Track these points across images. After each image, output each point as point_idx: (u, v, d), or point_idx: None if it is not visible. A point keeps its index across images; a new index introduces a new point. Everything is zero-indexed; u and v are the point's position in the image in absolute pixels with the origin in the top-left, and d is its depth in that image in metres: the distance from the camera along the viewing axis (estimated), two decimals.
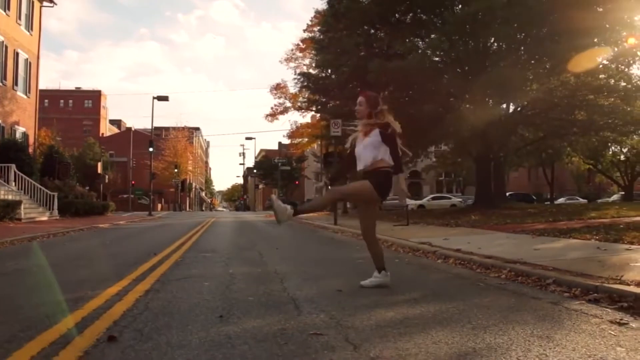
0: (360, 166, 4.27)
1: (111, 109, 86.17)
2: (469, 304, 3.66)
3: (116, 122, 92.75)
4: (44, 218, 21.03)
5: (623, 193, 36.34)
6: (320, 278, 5.09)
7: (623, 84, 17.45)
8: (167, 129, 62.27)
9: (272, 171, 65.54)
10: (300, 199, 68.00)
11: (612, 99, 17.42)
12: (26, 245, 9.83)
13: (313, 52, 25.44)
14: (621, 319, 3.10)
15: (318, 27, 41.18)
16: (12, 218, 17.92)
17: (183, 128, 63.63)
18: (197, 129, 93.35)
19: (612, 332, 2.81)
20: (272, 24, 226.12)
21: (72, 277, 5.15)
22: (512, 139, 19.80)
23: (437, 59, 16.54)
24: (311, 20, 42.45)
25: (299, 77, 22.59)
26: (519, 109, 19.00)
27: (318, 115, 41.60)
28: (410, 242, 8.64)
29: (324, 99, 22.88)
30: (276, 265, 6.08)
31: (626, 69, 17.49)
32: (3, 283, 4.96)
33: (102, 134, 75.74)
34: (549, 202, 39.30)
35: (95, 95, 77.69)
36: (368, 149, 4.17)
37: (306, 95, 43.22)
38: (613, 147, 30.81)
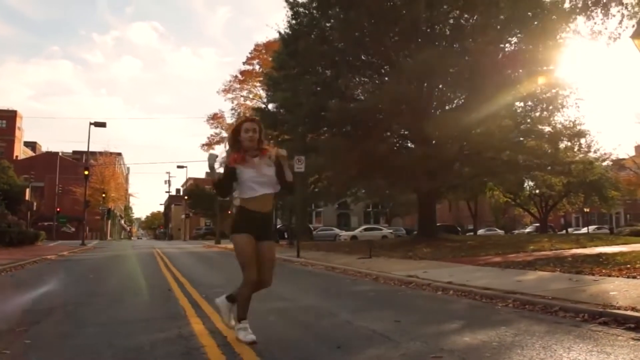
0: (259, 193, 3.96)
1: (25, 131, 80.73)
2: (514, 330, 4.49)
3: (31, 145, 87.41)
4: None
5: (538, 225, 39.91)
6: (362, 309, 5.76)
7: (548, 128, 19.83)
8: (93, 153, 59.80)
9: (200, 200, 64.75)
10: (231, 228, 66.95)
11: (539, 142, 19.68)
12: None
13: (264, 87, 26.24)
14: (638, 337, 4.09)
15: (257, 60, 42.59)
16: None
17: (110, 154, 61.46)
18: (119, 154, 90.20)
19: None
20: (192, 50, 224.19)
21: (135, 316, 5.46)
22: (451, 175, 21.56)
23: (390, 101, 17.84)
24: (251, 53, 43.57)
25: (254, 112, 23.16)
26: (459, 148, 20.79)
27: None
28: (396, 275, 9.47)
29: (275, 133, 23.63)
30: (304, 300, 6.64)
31: (549, 116, 19.84)
32: (74, 325, 5.17)
33: (17, 156, 71.07)
34: (472, 233, 42.17)
35: (10, 116, 72.87)
36: (269, 184, 4.00)
37: None
38: (529, 183, 34.14)
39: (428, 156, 17.37)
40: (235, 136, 4.11)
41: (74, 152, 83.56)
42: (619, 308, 5.03)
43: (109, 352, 3.78)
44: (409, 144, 20.84)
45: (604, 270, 8.14)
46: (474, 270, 9.64)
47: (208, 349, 3.78)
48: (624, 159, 40.30)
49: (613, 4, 10.50)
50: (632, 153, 42.96)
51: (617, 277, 7.46)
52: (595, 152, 22.19)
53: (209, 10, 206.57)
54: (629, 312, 4.78)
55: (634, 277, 7.26)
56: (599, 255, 11.08)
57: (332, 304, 6.30)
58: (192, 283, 8.70)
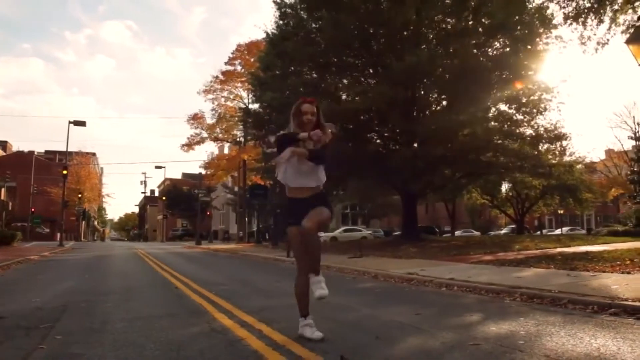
0: (310, 183, 3.93)
1: None
2: (533, 320, 4.68)
3: (1, 144, 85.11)
4: None
5: (514, 226, 40.81)
6: (378, 304, 5.90)
7: (530, 131, 20.37)
8: (70, 153, 58.63)
9: (178, 201, 64.09)
10: (207, 230, 66.55)
11: (522, 144, 20.18)
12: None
13: (247, 88, 26.20)
14: None
15: (239, 61, 42.44)
16: None
17: (85, 154, 60.33)
18: (94, 154, 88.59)
19: None
20: (167, 49, 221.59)
21: (156, 312, 5.46)
22: (437, 176, 21.90)
23: (378, 103, 18.05)
24: (232, 53, 43.35)
25: (239, 112, 23.12)
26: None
27: (237, 147, 42.45)
28: (395, 273, 9.63)
29: (261, 133, 23.63)
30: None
31: (532, 120, 20.37)
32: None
33: None
34: (449, 234, 42.86)
35: None
36: (318, 168, 3.93)
37: (223, 126, 43.77)
38: (506, 185, 34.94)
39: (415, 157, 17.65)
40: (297, 117, 3.93)
41: (47, 152, 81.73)
42: (626, 300, 5.28)
43: (151, 345, 3.82)
44: (394, 146, 21.07)
45: (597, 267, 8.47)
46: (469, 268, 9.87)
47: (250, 341, 3.85)
48: (595, 163, 41.65)
49: (607, 10, 10.88)
50: (603, 156, 44.47)
51: (612, 272, 7.78)
52: (570, 155, 22.77)
53: (184, 9, 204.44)
54: (639, 304, 5.04)
55: (629, 273, 7.59)
56: (586, 253, 11.47)
57: (346, 299, 6.40)
58: (194, 281, 8.70)
